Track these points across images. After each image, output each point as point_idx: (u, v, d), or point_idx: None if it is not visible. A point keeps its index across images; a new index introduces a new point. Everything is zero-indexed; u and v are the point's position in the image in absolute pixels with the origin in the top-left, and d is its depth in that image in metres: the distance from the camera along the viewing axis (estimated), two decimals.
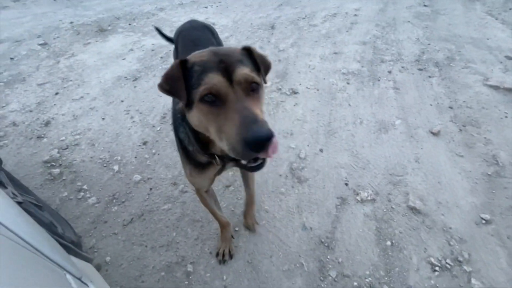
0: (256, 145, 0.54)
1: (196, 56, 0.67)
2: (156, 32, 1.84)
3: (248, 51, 0.71)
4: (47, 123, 2.00)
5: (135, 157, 1.73)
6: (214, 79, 0.60)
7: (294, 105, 2.08)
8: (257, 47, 2.82)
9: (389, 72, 2.36)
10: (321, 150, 1.71)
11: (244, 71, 0.62)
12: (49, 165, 1.69)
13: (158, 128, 1.92)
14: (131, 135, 1.88)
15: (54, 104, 2.19)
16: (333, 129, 1.86)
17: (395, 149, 1.69)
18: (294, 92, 2.19)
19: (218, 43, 1.41)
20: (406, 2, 3.71)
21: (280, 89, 2.24)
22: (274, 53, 2.74)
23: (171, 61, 2.69)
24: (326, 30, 3.09)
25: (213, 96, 0.60)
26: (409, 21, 3.19)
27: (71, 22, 3.59)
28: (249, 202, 1.26)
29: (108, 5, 4.13)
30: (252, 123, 0.55)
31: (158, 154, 1.75)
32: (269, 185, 1.52)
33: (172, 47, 1.60)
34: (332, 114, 1.98)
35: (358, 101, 2.07)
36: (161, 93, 2.16)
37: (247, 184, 1.21)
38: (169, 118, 2.00)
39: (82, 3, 4.27)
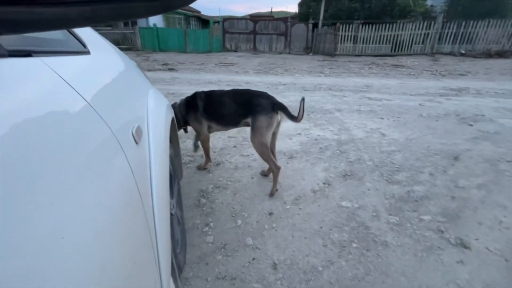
0: None
1: None
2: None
3: None
4: (217, 164, 2.62)
5: (257, 222, 1.85)
6: None
7: (458, 262, 1.52)
8: (427, 173, 2.46)
9: None
10: None
11: None
12: (202, 194, 2.15)
13: (288, 207, 2.00)
14: (264, 201, 2.07)
15: (229, 153, 2.86)
16: None
17: None
18: (464, 246, 1.63)
19: None
20: None
21: (442, 231, 1.75)
22: (447, 186, 2.27)
23: (328, 153, 2.86)
24: None
25: None
26: None
27: None
28: None
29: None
30: None
31: (276, 230, 1.77)
32: None
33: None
34: None
35: None
36: (304, 177, 2.25)
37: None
38: (302, 202, 2.05)
39: (283, 93, 5.66)
